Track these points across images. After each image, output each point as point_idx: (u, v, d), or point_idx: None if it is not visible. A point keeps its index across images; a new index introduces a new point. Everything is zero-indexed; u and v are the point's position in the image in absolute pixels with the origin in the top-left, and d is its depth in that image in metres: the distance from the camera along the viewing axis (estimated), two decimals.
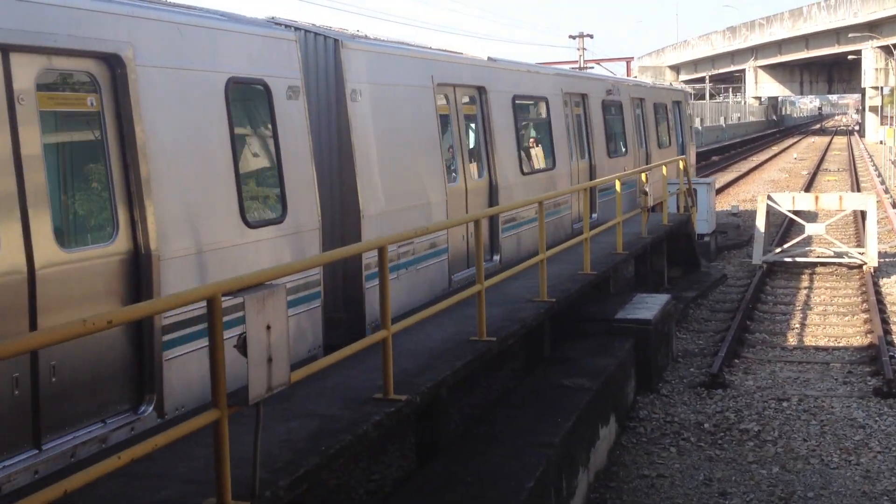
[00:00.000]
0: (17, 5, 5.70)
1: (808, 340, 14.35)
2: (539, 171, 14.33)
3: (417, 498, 6.82)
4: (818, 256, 20.27)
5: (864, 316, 15.44)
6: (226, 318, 5.10)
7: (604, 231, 13.83)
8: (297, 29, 9.07)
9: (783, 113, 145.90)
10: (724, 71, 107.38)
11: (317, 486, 5.92)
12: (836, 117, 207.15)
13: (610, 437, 9.78)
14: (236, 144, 7.33)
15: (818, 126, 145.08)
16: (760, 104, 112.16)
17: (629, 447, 9.94)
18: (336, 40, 9.20)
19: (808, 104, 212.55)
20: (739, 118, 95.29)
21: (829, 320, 15.51)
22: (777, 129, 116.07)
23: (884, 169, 43.22)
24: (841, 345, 14.05)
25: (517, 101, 13.50)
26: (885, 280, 18.36)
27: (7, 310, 5.49)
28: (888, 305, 16.28)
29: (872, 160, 51.59)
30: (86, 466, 4.35)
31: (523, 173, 13.37)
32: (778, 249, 20.49)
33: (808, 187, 38.56)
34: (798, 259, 20.09)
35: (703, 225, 21.16)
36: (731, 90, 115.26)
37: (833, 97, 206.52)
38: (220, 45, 7.30)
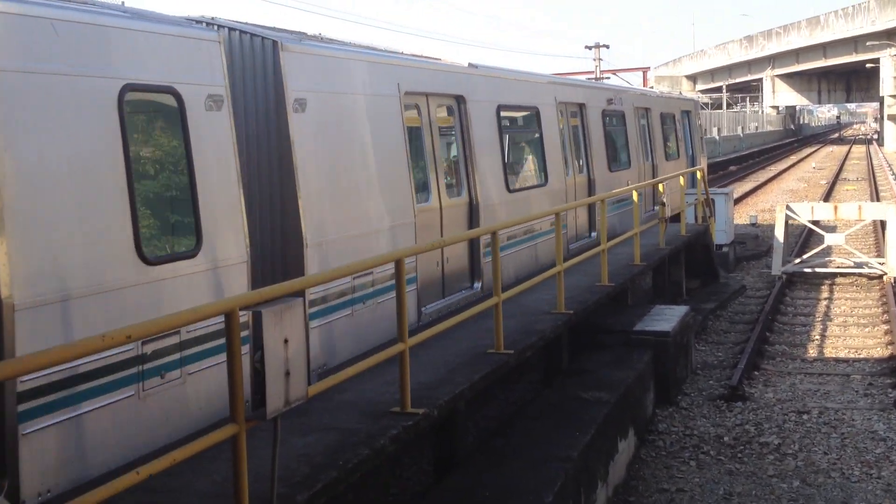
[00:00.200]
0: None
1: (829, 352, 14.24)
2: (529, 187, 13.25)
3: None
4: (838, 267, 20.14)
5: (885, 327, 15.32)
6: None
7: (621, 242, 13.77)
8: (223, 28, 7.99)
9: (801, 122, 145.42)
10: (742, 80, 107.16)
11: (334, 501, 5.89)
12: (855, 126, 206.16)
13: (629, 450, 9.73)
14: (132, 164, 6.18)
15: (836, 135, 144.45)
16: (778, 113, 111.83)
17: (648, 461, 9.88)
18: (275, 42, 7.94)
19: (825, 113, 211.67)
20: (757, 127, 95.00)
21: (850, 331, 15.40)
22: (795, 138, 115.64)
23: None
24: (861, 356, 13.94)
25: (503, 112, 12.41)
26: None
27: None
28: None
29: (892, 169, 51.25)
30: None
31: (510, 190, 12.25)
32: (797, 260, 20.38)
33: (826, 197, 38.35)
34: (817, 269, 19.97)
35: (721, 235, 21.05)
36: (748, 99, 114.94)
37: (851, 106, 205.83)
38: (112, 47, 6.20)
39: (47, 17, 5.75)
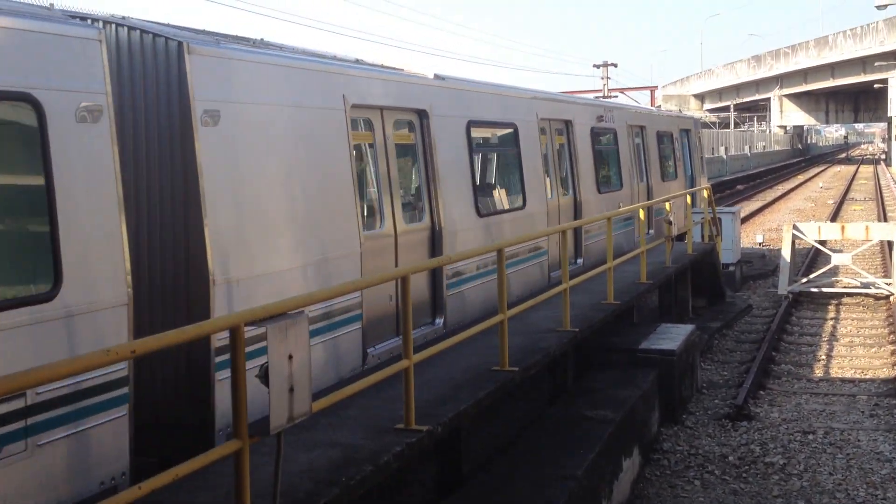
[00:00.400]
0: None
1: (835, 372, 14.20)
2: (503, 211, 12.26)
3: None
4: (844, 287, 20.12)
5: (891, 347, 15.29)
6: None
7: (628, 260, 13.77)
8: (108, 24, 6.84)
9: (808, 142, 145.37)
10: (749, 100, 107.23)
11: None
12: (863, 146, 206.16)
13: (633, 469, 9.70)
14: None
15: (844, 155, 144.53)
16: (785, 133, 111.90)
17: (653, 479, 9.85)
18: (180, 43, 6.76)
19: (833, 133, 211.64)
20: (764, 147, 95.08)
21: (856, 352, 15.36)
22: (802, 157, 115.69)
23: None
24: (867, 377, 13.90)
25: (474, 128, 11.38)
26: None
27: None
28: None
29: None
30: None
31: (480, 214, 11.14)
32: (804, 279, 20.35)
33: (834, 217, 38.31)
34: (824, 289, 19.95)
35: (728, 254, 21.05)
36: (756, 119, 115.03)
37: (859, 126, 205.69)
38: None
39: None
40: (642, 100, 64.39)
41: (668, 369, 11.40)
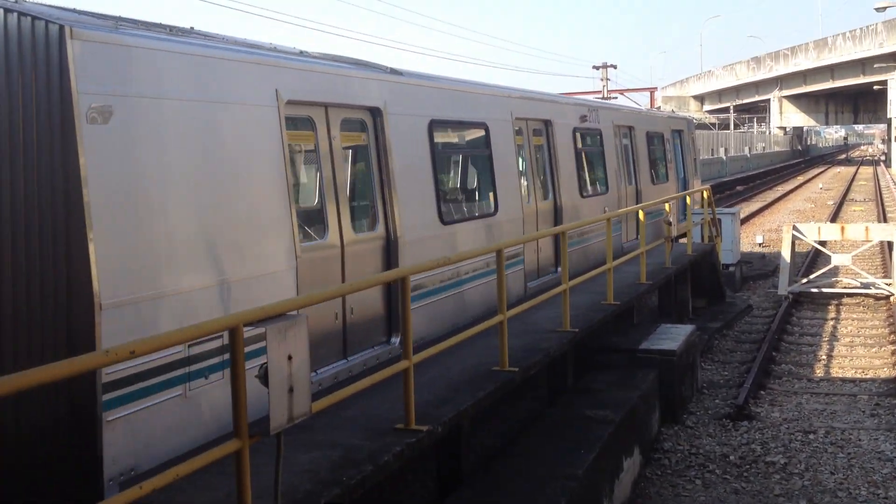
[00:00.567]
0: None
1: (835, 372, 14.20)
2: (471, 217, 11.41)
3: None
4: (844, 287, 20.12)
5: (892, 347, 15.29)
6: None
7: (628, 261, 13.78)
8: None
9: (808, 143, 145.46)
10: (749, 101, 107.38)
11: None
12: (862, 147, 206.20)
13: (634, 469, 9.70)
14: None
15: (844, 156, 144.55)
16: (785, 134, 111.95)
17: (654, 479, 9.85)
18: (61, 26, 5.78)
19: (833, 134, 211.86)
20: (764, 148, 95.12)
21: (856, 352, 15.36)
22: (802, 158, 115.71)
23: None
24: (868, 376, 13.90)
25: (437, 128, 10.50)
26: None
27: None
28: None
29: None
30: None
31: (444, 222, 10.28)
32: (804, 280, 20.35)
33: (834, 217, 38.31)
34: (824, 290, 19.95)
35: (728, 255, 21.06)
36: (755, 120, 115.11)
37: (859, 127, 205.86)
38: None
39: None
40: (642, 101, 64.49)
41: (669, 369, 11.41)
